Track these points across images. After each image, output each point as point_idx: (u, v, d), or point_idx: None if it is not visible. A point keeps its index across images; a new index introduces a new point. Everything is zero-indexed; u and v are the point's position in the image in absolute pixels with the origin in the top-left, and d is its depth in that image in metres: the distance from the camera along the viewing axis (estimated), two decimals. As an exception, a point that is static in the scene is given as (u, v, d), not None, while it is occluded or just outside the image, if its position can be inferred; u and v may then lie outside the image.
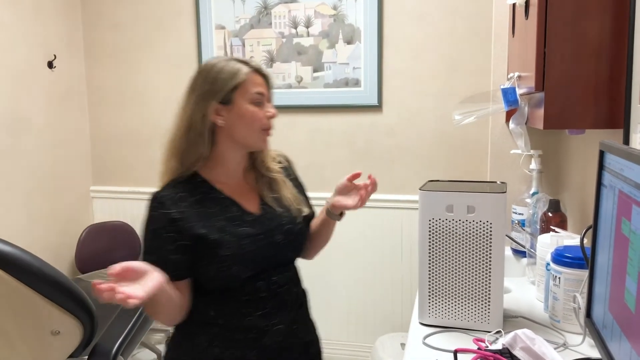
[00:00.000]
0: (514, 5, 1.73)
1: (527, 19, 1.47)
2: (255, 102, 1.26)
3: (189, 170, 1.27)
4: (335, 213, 1.38)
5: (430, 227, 1.32)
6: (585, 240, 1.27)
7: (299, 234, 1.36)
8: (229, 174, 1.31)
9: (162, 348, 3.14)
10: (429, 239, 1.33)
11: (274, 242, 1.28)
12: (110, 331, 1.66)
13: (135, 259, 3.18)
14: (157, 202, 1.22)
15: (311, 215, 1.44)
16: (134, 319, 1.70)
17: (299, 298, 1.38)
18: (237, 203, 1.29)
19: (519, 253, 1.92)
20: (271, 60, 2.89)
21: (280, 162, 1.41)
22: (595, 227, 0.98)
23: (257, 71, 1.28)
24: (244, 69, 1.25)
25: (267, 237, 1.27)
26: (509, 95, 1.60)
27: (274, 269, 1.29)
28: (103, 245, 3.11)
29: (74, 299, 1.39)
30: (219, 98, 1.24)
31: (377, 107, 2.78)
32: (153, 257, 1.18)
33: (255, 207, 1.31)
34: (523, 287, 1.64)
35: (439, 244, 1.32)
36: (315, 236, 1.44)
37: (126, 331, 1.67)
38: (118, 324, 1.68)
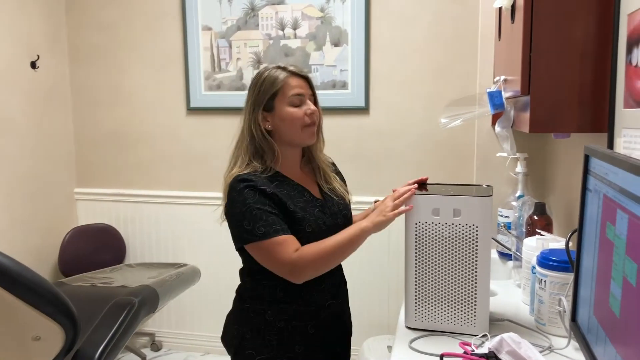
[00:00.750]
0: (500, 9, 1.74)
1: (513, 22, 1.48)
2: (293, 104, 1.40)
3: (269, 169, 1.41)
4: None
5: (416, 231, 1.32)
6: (570, 244, 1.27)
7: (350, 220, 1.55)
8: (292, 166, 1.48)
9: (147, 352, 3.12)
10: (416, 242, 1.32)
11: (337, 224, 1.46)
12: (93, 336, 1.63)
13: (120, 261, 3.14)
14: (246, 181, 1.36)
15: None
16: (117, 324, 1.67)
17: (343, 276, 1.60)
18: (307, 189, 1.47)
19: (505, 256, 1.93)
20: (258, 62, 2.87)
21: (330, 161, 1.61)
22: (580, 231, 0.98)
23: (295, 74, 1.42)
24: (282, 75, 1.41)
25: (333, 220, 1.46)
26: (495, 98, 1.61)
27: None
28: (87, 247, 3.07)
29: (55, 304, 1.37)
30: (263, 106, 1.41)
31: (365, 110, 2.78)
32: (271, 217, 1.33)
33: (318, 194, 1.50)
34: (509, 290, 1.64)
35: (425, 248, 1.32)
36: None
37: (109, 336, 1.64)
38: (101, 328, 1.66)
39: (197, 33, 2.93)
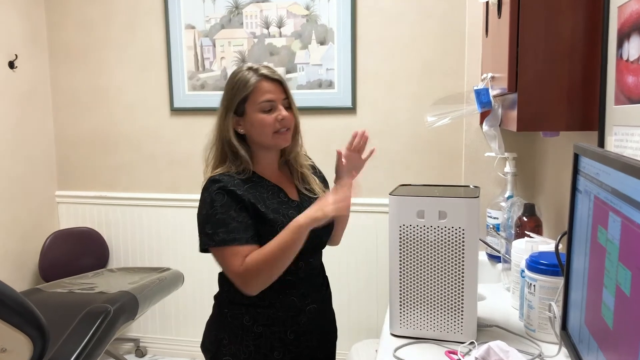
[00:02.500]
0: (487, 3, 1.69)
1: (499, 17, 1.43)
2: (264, 110, 1.37)
3: (245, 170, 1.39)
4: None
5: (400, 234, 1.26)
6: (560, 246, 1.22)
7: (331, 221, 1.44)
8: (269, 167, 1.46)
9: (131, 358, 3.05)
10: (400, 246, 1.27)
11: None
12: (64, 346, 1.56)
13: (103, 265, 3.07)
14: (218, 182, 1.34)
15: None
16: (90, 333, 1.60)
17: (325, 281, 1.55)
18: (283, 190, 1.44)
19: (494, 258, 1.88)
20: (243, 61, 2.81)
21: (309, 162, 1.56)
22: (570, 234, 0.93)
23: (267, 77, 1.37)
24: (252, 79, 1.37)
25: None
26: (482, 96, 1.56)
27: (310, 252, 1.42)
28: (69, 252, 2.99)
29: (22, 314, 1.30)
30: (234, 111, 1.38)
31: (352, 109, 2.73)
32: (232, 225, 1.31)
33: (295, 195, 1.46)
34: (498, 294, 1.59)
35: (410, 252, 1.26)
36: (337, 221, 1.54)
37: (82, 346, 1.57)
38: (73, 338, 1.58)
39: (180, 32, 2.86)
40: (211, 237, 1.32)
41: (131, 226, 3.07)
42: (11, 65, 2.82)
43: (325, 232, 1.48)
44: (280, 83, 1.39)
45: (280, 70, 2.76)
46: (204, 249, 1.36)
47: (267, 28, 2.77)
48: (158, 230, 3.03)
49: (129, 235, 3.08)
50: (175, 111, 2.94)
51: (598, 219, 0.76)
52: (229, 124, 1.38)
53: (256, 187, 1.39)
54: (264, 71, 1.38)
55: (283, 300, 1.40)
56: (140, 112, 2.99)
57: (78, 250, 3.01)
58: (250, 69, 1.39)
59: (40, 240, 2.96)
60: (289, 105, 1.41)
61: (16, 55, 2.83)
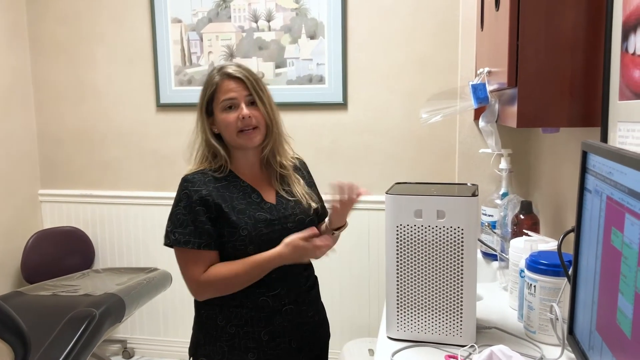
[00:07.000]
0: (483, -4, 1.65)
1: (497, 10, 1.38)
2: (226, 109, 1.35)
3: (223, 168, 1.40)
4: (329, 227, 1.47)
5: (397, 234, 1.22)
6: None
7: (309, 225, 1.43)
8: (247, 167, 1.43)
9: (118, 359, 2.98)
10: (397, 247, 1.23)
11: (286, 228, 1.39)
12: (48, 353, 1.49)
13: (88, 266, 2.98)
14: (188, 182, 1.36)
15: (322, 213, 1.54)
16: (75, 338, 1.54)
17: (309, 281, 1.49)
18: (257, 191, 1.41)
19: (489, 256, 1.85)
20: (231, 56, 2.75)
21: (292, 163, 1.52)
22: (577, 235, 0.89)
23: (230, 76, 1.35)
24: (216, 78, 1.37)
25: (280, 223, 1.39)
26: (478, 91, 1.52)
27: None
28: (53, 252, 2.91)
29: (1, 320, 1.24)
30: (205, 112, 1.39)
31: (342, 105, 2.68)
32: (189, 228, 1.32)
33: (272, 197, 1.43)
34: (495, 294, 1.56)
35: (407, 253, 1.22)
36: None
37: (66, 352, 1.51)
38: (57, 344, 1.52)
39: (166, 25, 2.79)
40: (168, 235, 1.36)
41: (117, 225, 3.00)
42: (-9, 59, 2.73)
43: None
44: (242, 80, 1.36)
45: (270, 65, 2.71)
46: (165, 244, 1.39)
47: (256, 22, 2.70)
48: (145, 229, 2.96)
49: (115, 235, 3.01)
50: (162, 107, 2.87)
51: (612, 220, 0.72)
52: (205, 124, 1.39)
53: (228, 187, 1.38)
54: (228, 69, 1.37)
55: (254, 300, 1.37)
56: (125, 108, 2.92)
57: (62, 251, 2.93)
58: (219, 68, 1.39)
59: (23, 241, 2.88)
60: (253, 103, 1.37)
61: (-4, 50, 2.74)
